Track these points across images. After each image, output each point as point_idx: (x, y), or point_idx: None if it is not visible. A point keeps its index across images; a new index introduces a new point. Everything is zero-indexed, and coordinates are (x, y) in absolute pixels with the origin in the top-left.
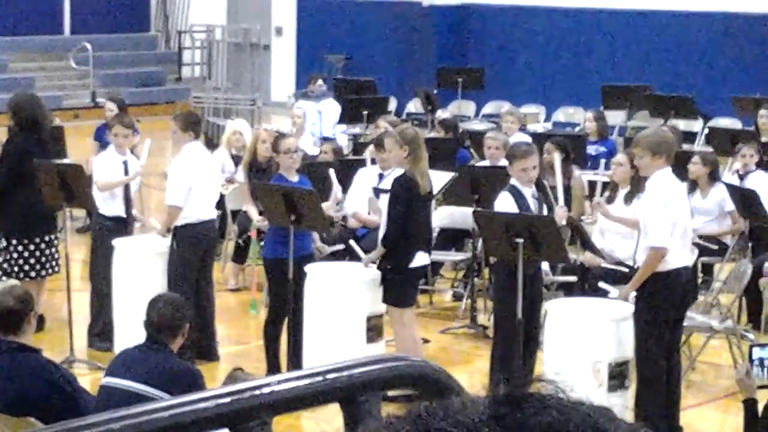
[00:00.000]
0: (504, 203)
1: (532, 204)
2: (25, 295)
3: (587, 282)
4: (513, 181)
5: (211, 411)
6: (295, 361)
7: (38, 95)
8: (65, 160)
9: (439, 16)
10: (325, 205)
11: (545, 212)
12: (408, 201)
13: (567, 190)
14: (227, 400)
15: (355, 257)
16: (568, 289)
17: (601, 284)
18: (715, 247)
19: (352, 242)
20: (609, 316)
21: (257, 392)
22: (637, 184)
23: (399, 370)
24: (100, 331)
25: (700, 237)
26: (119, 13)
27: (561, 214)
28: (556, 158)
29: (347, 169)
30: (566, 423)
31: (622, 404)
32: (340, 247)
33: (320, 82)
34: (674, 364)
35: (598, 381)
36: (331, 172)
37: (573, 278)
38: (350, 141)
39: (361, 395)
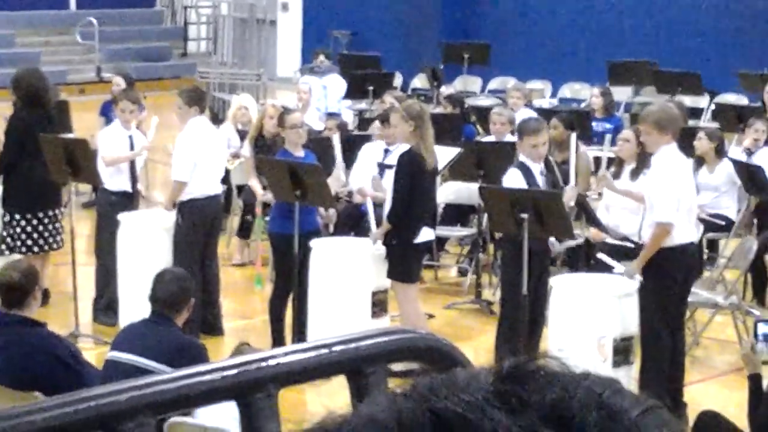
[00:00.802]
0: (513, 179)
1: (540, 181)
2: (30, 270)
3: (592, 258)
4: (522, 157)
5: (218, 383)
6: (300, 336)
7: (42, 70)
8: (70, 135)
9: None
10: (329, 181)
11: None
12: (413, 176)
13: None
14: (233, 371)
15: (361, 233)
16: (573, 265)
17: (601, 255)
18: (722, 222)
19: (369, 207)
20: (614, 292)
21: (263, 364)
22: (643, 160)
23: (406, 342)
24: (106, 305)
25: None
26: None
27: (571, 194)
28: (573, 138)
29: (353, 145)
30: (570, 399)
31: (627, 379)
32: (349, 188)
33: (321, 57)
34: (679, 340)
35: (603, 356)
36: (336, 143)
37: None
38: (356, 116)
39: (368, 368)
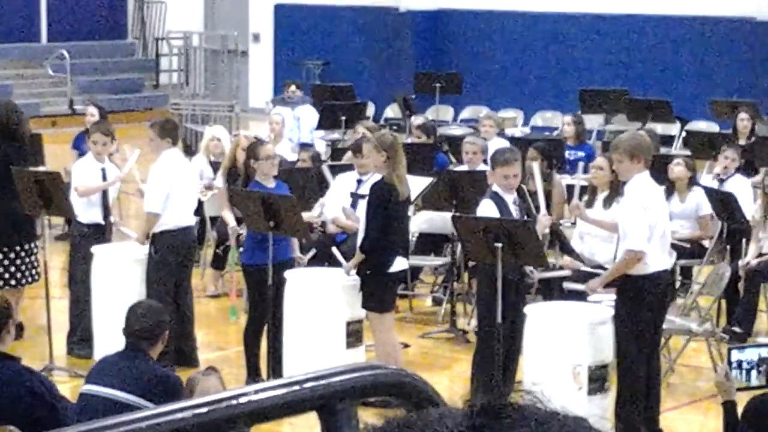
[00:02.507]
0: (486, 210)
1: (514, 211)
2: (3, 304)
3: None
4: (495, 187)
5: (189, 421)
6: (276, 367)
7: (15, 103)
8: (43, 168)
9: (416, 22)
10: (306, 215)
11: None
12: (386, 206)
13: (548, 195)
14: (204, 410)
15: (335, 263)
16: (547, 294)
17: (567, 284)
18: (688, 245)
19: (334, 249)
20: (588, 320)
21: (234, 402)
22: (615, 188)
23: (377, 378)
24: (80, 338)
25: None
26: (96, 21)
27: (544, 222)
28: (535, 166)
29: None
30: None
31: (602, 407)
32: (323, 218)
33: (293, 88)
34: (654, 367)
35: (578, 384)
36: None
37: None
38: (328, 147)
39: (338, 404)
